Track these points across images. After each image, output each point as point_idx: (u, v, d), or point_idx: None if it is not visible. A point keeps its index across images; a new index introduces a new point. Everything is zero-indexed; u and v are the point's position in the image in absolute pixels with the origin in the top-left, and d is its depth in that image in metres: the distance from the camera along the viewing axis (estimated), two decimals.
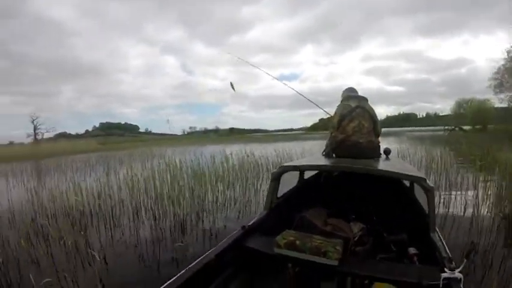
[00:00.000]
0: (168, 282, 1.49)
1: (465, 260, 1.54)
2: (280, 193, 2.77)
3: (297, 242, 1.85)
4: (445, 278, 1.49)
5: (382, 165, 2.72)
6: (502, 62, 29.43)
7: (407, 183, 3.23)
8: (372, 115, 3.11)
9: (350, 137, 2.99)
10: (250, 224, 2.26)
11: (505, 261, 2.84)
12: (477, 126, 35.04)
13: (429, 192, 2.07)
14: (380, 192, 3.30)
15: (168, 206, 5.02)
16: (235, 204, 5.54)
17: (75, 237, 3.70)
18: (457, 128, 37.96)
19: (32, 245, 3.62)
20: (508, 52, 28.63)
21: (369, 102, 3.20)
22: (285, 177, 2.68)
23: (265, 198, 2.65)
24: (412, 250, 2.12)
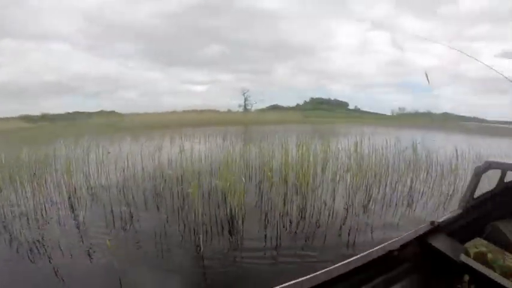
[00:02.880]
0: (353, 258, 1.65)
1: None
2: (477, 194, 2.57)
3: (489, 256, 1.70)
4: None
5: None
6: None
7: None
8: None
9: None
10: (440, 221, 2.20)
11: None
12: None
13: None
14: None
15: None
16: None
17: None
18: None
19: None
20: None
21: None
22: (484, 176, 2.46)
23: (460, 196, 2.52)
24: None
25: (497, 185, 2.93)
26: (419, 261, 1.99)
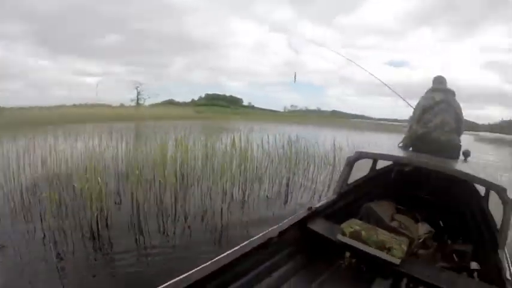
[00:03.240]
0: (233, 250, 1.60)
1: None
2: (350, 180, 2.78)
3: (363, 233, 1.85)
4: None
5: (460, 167, 2.52)
6: None
7: (482, 191, 2.90)
8: (457, 112, 2.92)
9: (431, 133, 2.89)
10: (316, 206, 2.29)
11: None
12: None
13: (507, 204, 1.90)
14: (451, 197, 3.07)
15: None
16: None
17: None
18: None
19: None
20: None
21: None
22: (357, 165, 2.67)
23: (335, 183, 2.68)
24: (474, 265, 2.03)
25: (370, 171, 3.27)
26: (300, 245, 2.07)
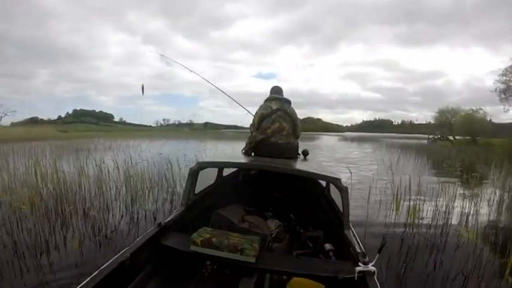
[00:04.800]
0: (80, 285, 1.39)
1: (377, 255, 1.61)
2: (198, 190, 2.73)
3: (214, 240, 1.82)
4: (359, 272, 1.57)
5: (299, 165, 2.74)
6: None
7: (323, 183, 3.26)
8: (292, 118, 3.19)
9: (269, 138, 3.07)
10: (166, 221, 2.17)
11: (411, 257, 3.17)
12: (467, 138, 31.89)
13: (343, 191, 2.11)
14: (297, 191, 3.39)
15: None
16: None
17: None
18: (443, 138, 36.33)
19: None
20: None
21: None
22: (205, 174, 2.66)
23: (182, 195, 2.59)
24: (328, 246, 2.21)
25: (216, 179, 3.25)
26: (156, 264, 1.98)
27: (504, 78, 25.59)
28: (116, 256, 1.67)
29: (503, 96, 25.69)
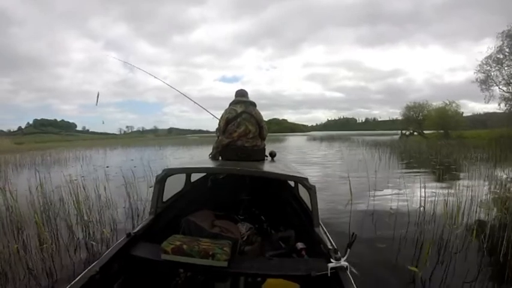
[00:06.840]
0: None
1: (348, 250, 1.63)
2: (167, 198, 2.68)
3: (184, 247, 1.79)
4: (332, 268, 1.58)
5: (267, 167, 2.74)
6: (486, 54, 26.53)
7: (292, 183, 3.26)
8: (258, 120, 3.19)
9: (236, 141, 3.07)
10: (135, 230, 2.12)
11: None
12: (440, 131, 33.42)
13: (311, 190, 2.14)
14: (267, 193, 3.43)
15: None
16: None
17: None
18: (415, 133, 37.81)
19: None
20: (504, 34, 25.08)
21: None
22: (173, 181, 2.60)
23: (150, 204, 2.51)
24: (300, 245, 2.23)
25: (185, 185, 3.16)
26: (127, 276, 1.91)
27: (485, 67, 26.58)
28: (85, 271, 1.61)
29: (483, 86, 26.89)
